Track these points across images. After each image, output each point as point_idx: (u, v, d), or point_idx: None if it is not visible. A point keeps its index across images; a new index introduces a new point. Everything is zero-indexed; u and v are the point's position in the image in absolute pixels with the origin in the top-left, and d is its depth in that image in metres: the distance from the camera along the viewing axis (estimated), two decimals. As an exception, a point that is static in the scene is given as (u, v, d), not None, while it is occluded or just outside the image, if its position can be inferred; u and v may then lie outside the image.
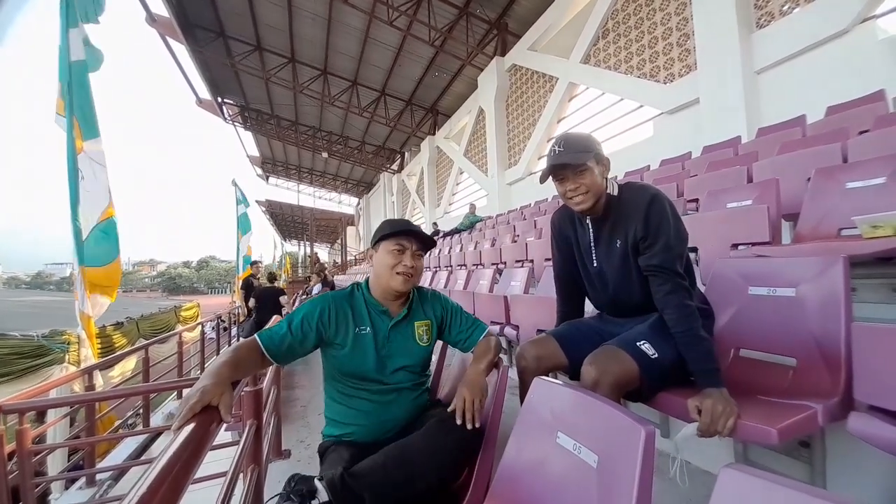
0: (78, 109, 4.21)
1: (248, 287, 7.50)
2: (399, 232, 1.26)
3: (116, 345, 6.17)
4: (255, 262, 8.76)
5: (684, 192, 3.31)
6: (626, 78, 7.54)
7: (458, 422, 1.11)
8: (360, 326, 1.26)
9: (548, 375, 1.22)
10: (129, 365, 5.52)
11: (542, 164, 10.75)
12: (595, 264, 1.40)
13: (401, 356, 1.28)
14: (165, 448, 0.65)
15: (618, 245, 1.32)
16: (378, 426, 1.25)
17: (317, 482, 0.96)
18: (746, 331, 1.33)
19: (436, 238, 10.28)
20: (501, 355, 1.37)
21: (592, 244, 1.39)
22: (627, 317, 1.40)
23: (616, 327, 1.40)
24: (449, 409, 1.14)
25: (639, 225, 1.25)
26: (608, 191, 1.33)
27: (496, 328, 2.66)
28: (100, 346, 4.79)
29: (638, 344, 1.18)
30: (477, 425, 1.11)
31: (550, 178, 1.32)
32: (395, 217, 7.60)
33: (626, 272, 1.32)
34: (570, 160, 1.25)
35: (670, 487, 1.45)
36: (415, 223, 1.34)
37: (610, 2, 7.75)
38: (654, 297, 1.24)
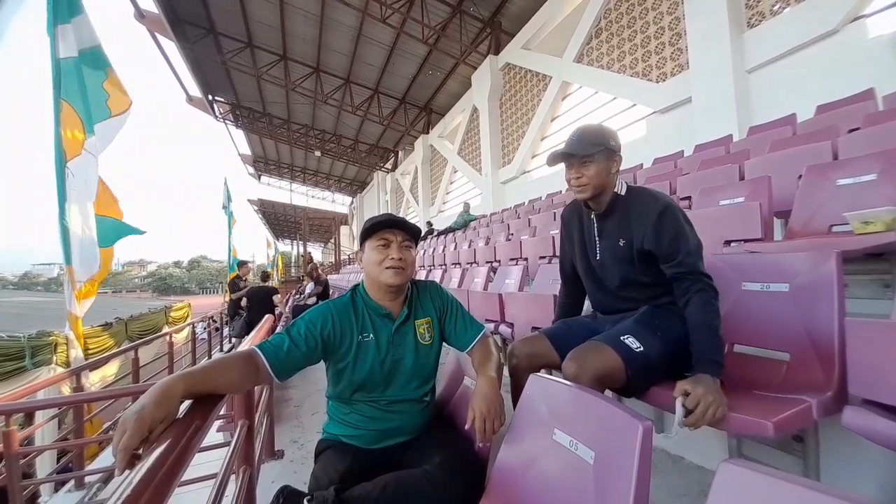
0: (81, 108, 4.22)
1: (234, 290, 7.13)
2: (380, 226, 1.20)
3: (95, 349, 5.72)
4: (243, 263, 8.18)
5: (677, 189, 3.32)
6: (619, 77, 7.56)
7: (479, 444, 1.03)
8: (363, 334, 1.20)
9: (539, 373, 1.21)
10: (109, 370, 5.24)
11: (536, 163, 10.73)
12: (598, 257, 1.42)
13: (404, 362, 1.22)
14: (151, 449, 0.63)
15: (621, 244, 1.34)
16: (380, 434, 1.21)
17: (306, 502, 0.94)
18: (740, 326, 1.33)
19: (430, 237, 10.27)
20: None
21: (597, 237, 1.42)
22: (622, 313, 1.41)
23: (609, 326, 1.40)
24: (467, 426, 1.03)
25: (648, 235, 1.26)
26: (616, 189, 1.36)
27: (491, 326, 2.65)
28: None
29: (622, 338, 1.19)
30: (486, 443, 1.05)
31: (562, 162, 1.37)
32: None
33: (628, 270, 1.35)
34: (575, 150, 1.31)
35: (665, 482, 1.45)
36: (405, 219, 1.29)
37: (603, 1, 7.75)
38: (678, 297, 1.24)
